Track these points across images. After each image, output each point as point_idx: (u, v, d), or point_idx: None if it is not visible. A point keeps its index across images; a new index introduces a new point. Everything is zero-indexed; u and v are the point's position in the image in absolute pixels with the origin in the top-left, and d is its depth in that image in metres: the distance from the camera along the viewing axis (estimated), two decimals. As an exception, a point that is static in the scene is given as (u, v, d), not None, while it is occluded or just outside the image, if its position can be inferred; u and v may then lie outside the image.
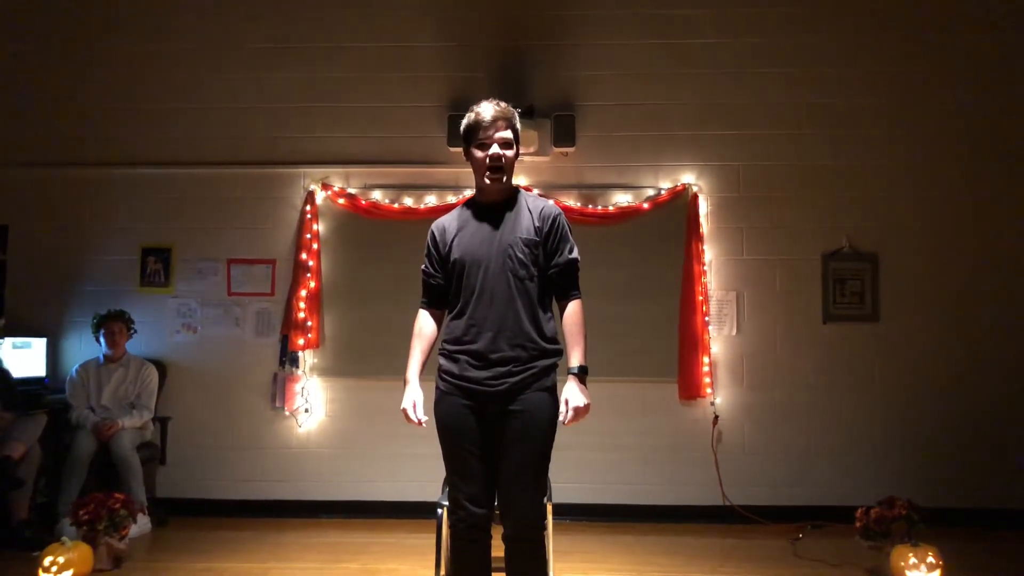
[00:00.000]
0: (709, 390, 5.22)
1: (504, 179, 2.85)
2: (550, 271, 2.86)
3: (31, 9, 5.64)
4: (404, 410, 2.84)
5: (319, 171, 5.47)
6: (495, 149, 2.81)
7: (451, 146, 5.28)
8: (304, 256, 5.36)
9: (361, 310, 5.37)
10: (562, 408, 2.78)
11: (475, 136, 2.83)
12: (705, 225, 5.34)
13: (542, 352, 2.80)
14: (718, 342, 5.30)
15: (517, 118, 2.90)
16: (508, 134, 2.84)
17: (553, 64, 5.46)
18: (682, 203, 5.36)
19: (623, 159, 5.42)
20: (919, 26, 5.39)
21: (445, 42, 5.51)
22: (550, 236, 2.86)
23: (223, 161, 5.51)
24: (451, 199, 5.33)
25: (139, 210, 5.53)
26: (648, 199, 5.35)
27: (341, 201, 5.43)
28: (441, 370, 2.86)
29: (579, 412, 2.77)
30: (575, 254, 2.91)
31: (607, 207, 5.34)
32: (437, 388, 2.87)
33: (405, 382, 2.88)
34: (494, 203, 2.90)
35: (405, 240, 5.26)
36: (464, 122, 2.88)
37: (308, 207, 5.41)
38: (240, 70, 5.56)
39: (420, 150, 5.45)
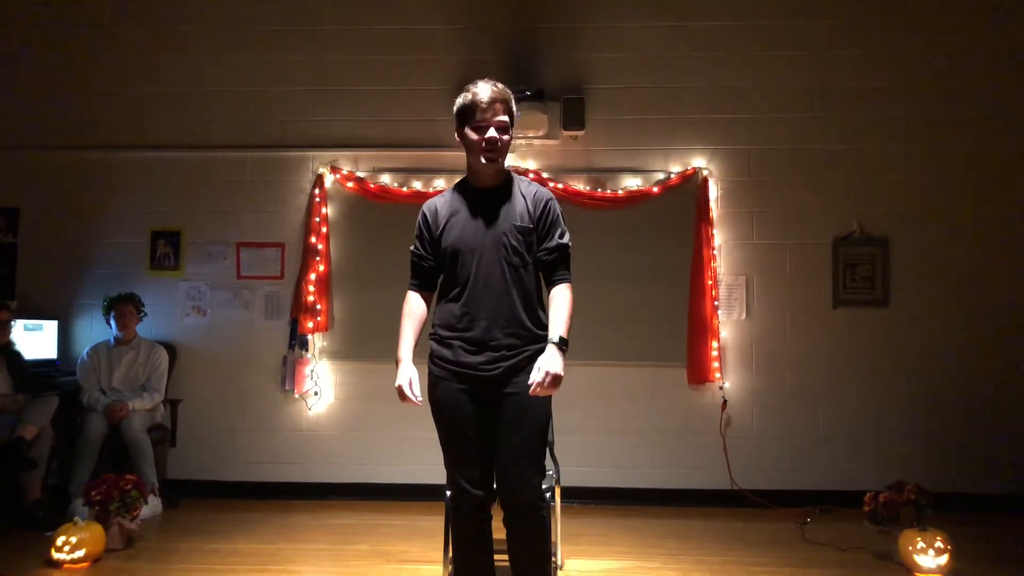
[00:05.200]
0: (718, 375, 5.22)
1: (499, 161, 2.79)
2: (540, 254, 2.82)
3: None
4: (399, 388, 2.79)
5: (328, 154, 5.47)
6: (492, 133, 2.73)
7: (460, 129, 5.28)
8: (313, 239, 5.37)
9: (370, 293, 5.38)
10: (535, 374, 2.64)
11: (471, 117, 2.74)
12: (715, 209, 5.31)
13: (535, 338, 2.77)
14: (727, 327, 5.29)
15: (513, 100, 2.81)
16: (505, 118, 2.75)
17: (563, 47, 5.43)
18: (692, 187, 5.33)
19: (633, 143, 5.39)
20: (930, 10, 5.34)
21: (454, 25, 5.48)
22: (542, 220, 2.81)
23: (232, 144, 5.51)
24: (460, 183, 5.33)
25: (149, 193, 5.54)
26: (658, 183, 5.33)
27: (350, 185, 5.42)
28: (434, 355, 2.84)
29: (552, 380, 2.62)
30: (566, 239, 2.86)
31: (616, 191, 5.32)
32: (431, 373, 2.84)
33: (397, 361, 2.84)
34: (487, 187, 2.85)
35: (414, 224, 5.23)
36: (459, 101, 2.79)
37: (317, 191, 5.41)
38: (249, 53, 5.55)
39: (429, 134, 5.43)
